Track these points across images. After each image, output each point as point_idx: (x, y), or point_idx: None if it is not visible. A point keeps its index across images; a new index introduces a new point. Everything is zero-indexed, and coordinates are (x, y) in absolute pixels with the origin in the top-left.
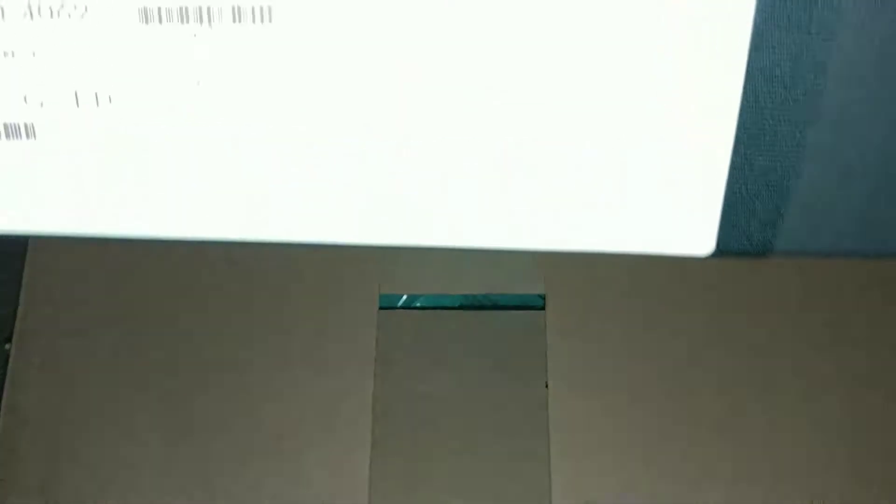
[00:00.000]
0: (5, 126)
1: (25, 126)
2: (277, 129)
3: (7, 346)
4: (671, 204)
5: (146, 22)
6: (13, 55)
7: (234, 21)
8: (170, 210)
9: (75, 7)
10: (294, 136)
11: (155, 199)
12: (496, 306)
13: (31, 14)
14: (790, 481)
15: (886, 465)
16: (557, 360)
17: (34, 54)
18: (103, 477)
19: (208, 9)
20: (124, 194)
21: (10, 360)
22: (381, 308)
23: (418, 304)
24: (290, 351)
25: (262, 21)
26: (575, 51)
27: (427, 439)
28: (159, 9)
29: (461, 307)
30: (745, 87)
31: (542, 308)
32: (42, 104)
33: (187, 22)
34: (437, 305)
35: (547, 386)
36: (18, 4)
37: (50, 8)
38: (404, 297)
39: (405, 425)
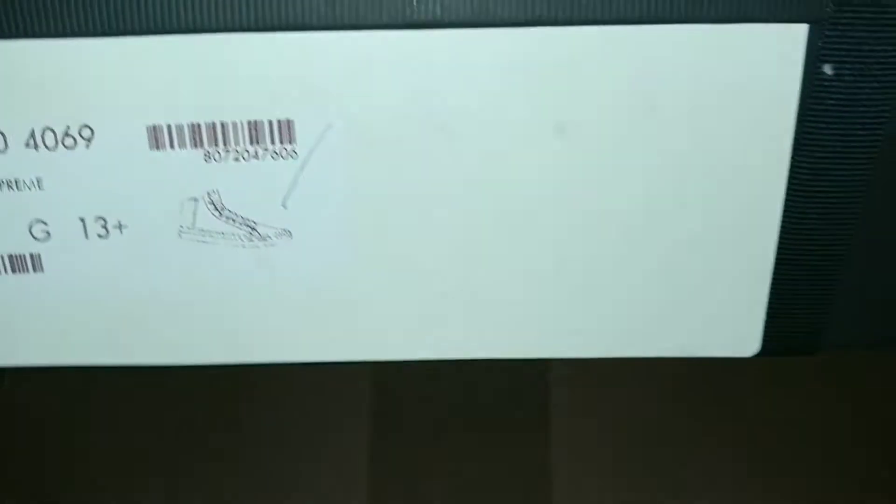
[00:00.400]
0: (10, 258)
1: (31, 257)
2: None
3: None
4: (718, 309)
5: (157, 148)
6: (17, 186)
7: (251, 142)
8: (181, 337)
9: (80, 134)
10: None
11: (165, 329)
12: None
13: (36, 143)
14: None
15: None
16: (559, 360)
17: (39, 184)
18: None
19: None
20: (137, 326)
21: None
22: None
23: None
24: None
25: (280, 142)
26: (635, 184)
27: (427, 441)
28: (169, 128)
29: None
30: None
31: None
32: (49, 235)
33: (200, 145)
34: None
35: (547, 385)
36: (21, 133)
37: (54, 135)
38: None
39: (405, 426)
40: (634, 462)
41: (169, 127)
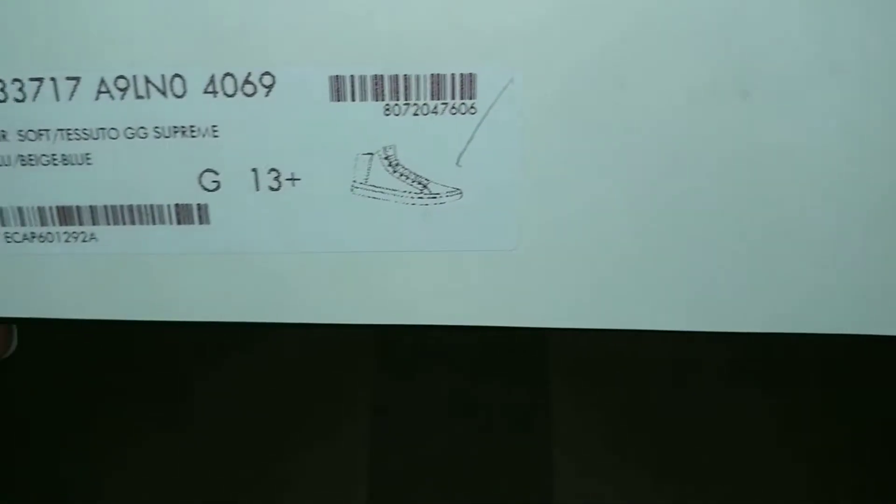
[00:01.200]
0: (177, 207)
1: (199, 208)
2: None
3: None
4: None
5: (338, 99)
6: (191, 132)
7: (432, 96)
8: (344, 295)
9: (261, 81)
10: None
11: (329, 285)
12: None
13: (215, 89)
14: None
15: None
16: (558, 360)
17: (214, 132)
18: (101, 477)
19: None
20: (300, 282)
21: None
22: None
23: None
24: (288, 350)
25: (461, 97)
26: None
27: (427, 440)
28: (352, 78)
29: None
30: None
31: None
32: (219, 185)
33: (381, 98)
34: None
35: (548, 384)
36: (201, 78)
37: (234, 81)
38: None
39: (405, 425)
40: (636, 462)
41: (352, 77)
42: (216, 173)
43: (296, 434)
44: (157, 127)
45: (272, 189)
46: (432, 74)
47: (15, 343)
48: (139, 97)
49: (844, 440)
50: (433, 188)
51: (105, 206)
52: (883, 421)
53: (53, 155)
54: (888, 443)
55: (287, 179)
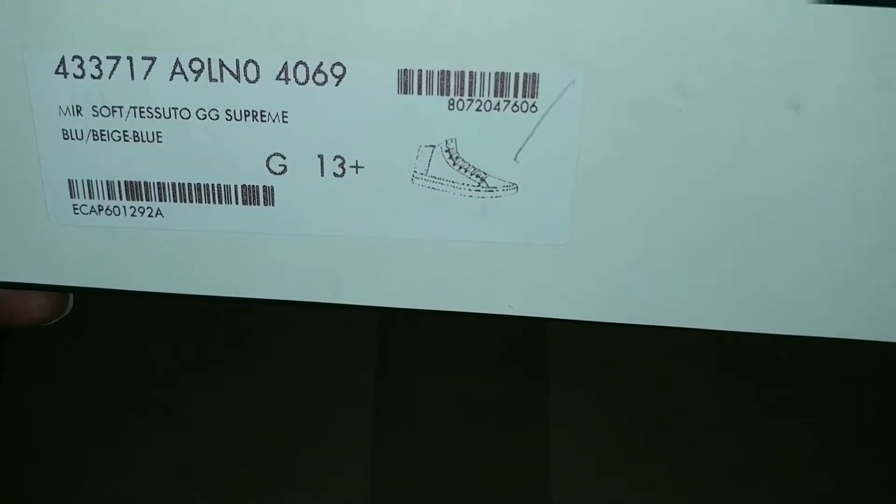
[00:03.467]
0: (244, 188)
1: (264, 190)
2: None
3: None
4: None
5: (404, 92)
6: (262, 117)
7: (495, 93)
8: (399, 281)
9: (332, 72)
10: None
11: (384, 271)
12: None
13: (287, 77)
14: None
15: None
16: (558, 358)
17: (283, 117)
18: (101, 478)
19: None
20: (358, 267)
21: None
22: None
23: None
24: (291, 351)
25: (523, 95)
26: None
27: (427, 439)
28: (420, 72)
29: None
30: None
31: None
32: (286, 169)
33: (446, 93)
34: None
35: (547, 385)
36: (275, 65)
37: (306, 70)
38: None
39: (405, 425)
40: (635, 461)
41: (420, 72)
42: (283, 157)
43: (296, 434)
44: (228, 110)
45: (336, 175)
46: (496, 72)
47: (70, 305)
48: (213, 80)
49: (843, 439)
50: (490, 182)
51: (173, 184)
52: (877, 416)
53: (125, 131)
54: (884, 437)
55: (351, 167)
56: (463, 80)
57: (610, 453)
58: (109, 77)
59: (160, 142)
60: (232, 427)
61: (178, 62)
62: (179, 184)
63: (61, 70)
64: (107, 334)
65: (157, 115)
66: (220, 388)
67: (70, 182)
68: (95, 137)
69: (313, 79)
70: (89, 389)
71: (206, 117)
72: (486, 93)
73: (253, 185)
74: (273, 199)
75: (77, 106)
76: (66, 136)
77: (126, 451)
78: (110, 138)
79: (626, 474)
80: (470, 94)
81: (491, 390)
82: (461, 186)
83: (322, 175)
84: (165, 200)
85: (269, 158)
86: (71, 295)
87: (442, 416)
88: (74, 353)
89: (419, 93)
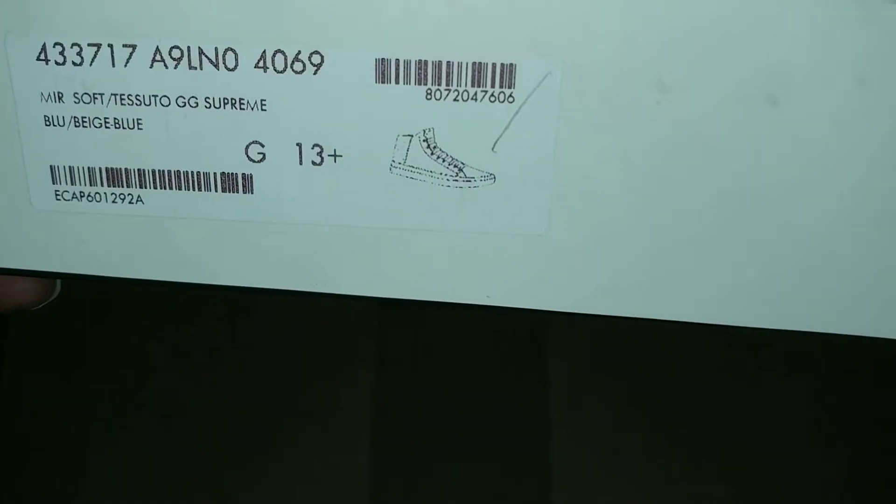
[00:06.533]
0: (223, 176)
1: (243, 178)
2: None
3: None
4: None
5: (382, 81)
6: (241, 105)
7: (473, 83)
8: (377, 269)
9: (310, 60)
10: None
11: (363, 259)
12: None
13: (265, 65)
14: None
15: None
16: (558, 358)
17: (262, 106)
18: (102, 477)
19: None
20: (336, 255)
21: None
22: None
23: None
24: (291, 351)
25: (501, 86)
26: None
27: (426, 439)
28: (397, 62)
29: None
30: None
31: None
32: (264, 157)
33: (423, 82)
34: None
35: (547, 385)
36: (253, 53)
37: (284, 59)
38: None
39: (405, 425)
40: (635, 461)
41: (397, 61)
42: (262, 145)
43: (296, 433)
44: (207, 97)
45: (314, 164)
46: (474, 62)
47: (57, 290)
48: (192, 68)
49: (843, 439)
50: (468, 172)
51: (153, 170)
52: (877, 416)
53: (106, 118)
54: (884, 436)
55: (329, 155)
56: (440, 69)
57: (610, 453)
58: (91, 64)
59: (140, 129)
60: (232, 426)
61: (158, 50)
62: (159, 171)
63: (43, 57)
64: (107, 334)
65: (138, 103)
66: (220, 387)
67: (52, 168)
68: (77, 124)
69: (291, 67)
70: (89, 389)
71: (185, 105)
72: (463, 83)
73: (232, 173)
74: (252, 186)
75: (59, 93)
76: (47, 123)
77: (126, 451)
78: (91, 125)
79: (626, 474)
80: (447, 84)
81: (491, 390)
82: (439, 176)
83: (300, 163)
84: (146, 187)
85: (247, 146)
86: (58, 280)
87: (442, 416)
88: (74, 353)
89: (397, 82)
